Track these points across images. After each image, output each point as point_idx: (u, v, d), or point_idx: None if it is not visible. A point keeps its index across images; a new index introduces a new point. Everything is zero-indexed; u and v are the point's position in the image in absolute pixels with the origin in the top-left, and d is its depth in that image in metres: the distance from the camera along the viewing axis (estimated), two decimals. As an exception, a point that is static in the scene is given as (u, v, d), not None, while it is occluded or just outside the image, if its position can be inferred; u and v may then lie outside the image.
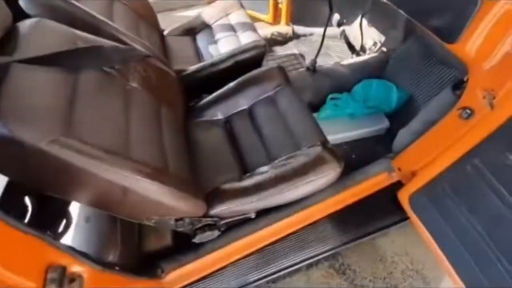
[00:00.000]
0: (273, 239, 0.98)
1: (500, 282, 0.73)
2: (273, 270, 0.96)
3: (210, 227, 0.86)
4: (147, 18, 1.41)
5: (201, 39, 1.46)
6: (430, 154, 0.93)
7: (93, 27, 0.84)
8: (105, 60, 0.70)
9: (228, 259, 0.94)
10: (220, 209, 0.83)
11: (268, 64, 1.20)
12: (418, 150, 0.98)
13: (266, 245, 0.98)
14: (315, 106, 1.33)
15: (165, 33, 1.49)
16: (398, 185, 1.06)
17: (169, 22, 1.59)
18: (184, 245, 0.94)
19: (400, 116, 1.29)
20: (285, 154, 0.91)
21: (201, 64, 1.20)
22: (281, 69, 1.10)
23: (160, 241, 0.98)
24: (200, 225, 0.83)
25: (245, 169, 0.93)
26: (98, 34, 0.82)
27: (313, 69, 1.38)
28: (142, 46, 0.95)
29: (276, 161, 0.90)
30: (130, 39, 0.92)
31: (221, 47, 1.38)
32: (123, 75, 0.77)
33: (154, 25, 1.46)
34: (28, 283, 0.44)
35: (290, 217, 0.99)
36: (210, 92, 1.17)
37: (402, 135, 1.09)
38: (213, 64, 1.19)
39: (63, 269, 0.49)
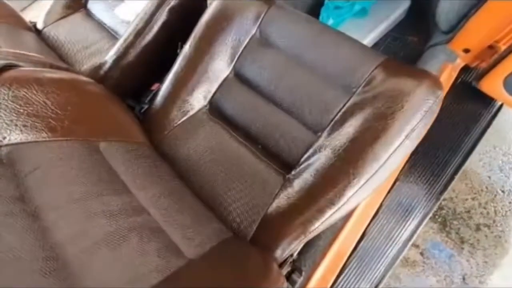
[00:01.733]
0: (362, 230, 0.67)
1: None
2: (378, 274, 0.68)
3: (289, 277, 0.53)
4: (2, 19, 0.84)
5: (96, 7, 0.91)
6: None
7: None
8: None
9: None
10: (288, 247, 0.49)
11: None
12: (496, 14, 0.64)
13: (357, 244, 0.67)
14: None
15: (39, 26, 0.93)
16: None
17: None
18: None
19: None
20: (334, 112, 0.54)
21: (120, 41, 0.72)
22: (246, -13, 0.66)
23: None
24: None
25: (287, 165, 0.56)
26: None
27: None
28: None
29: (326, 131, 0.54)
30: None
31: (133, 2, 0.87)
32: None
33: (17, 23, 0.89)
34: None
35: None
36: (160, 77, 0.73)
37: (449, 4, 0.74)
38: (138, 33, 0.71)
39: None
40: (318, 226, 0.48)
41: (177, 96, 0.64)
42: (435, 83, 0.49)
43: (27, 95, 0.40)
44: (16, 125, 0.38)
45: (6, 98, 0.38)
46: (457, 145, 0.74)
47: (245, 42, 0.63)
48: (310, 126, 0.56)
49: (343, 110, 0.53)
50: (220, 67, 0.64)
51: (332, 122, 0.53)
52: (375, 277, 0.65)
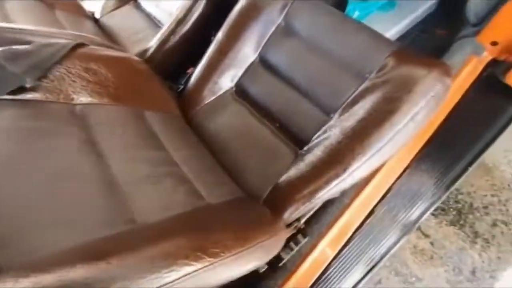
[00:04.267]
0: (368, 209, 0.72)
1: None
2: (380, 252, 0.72)
3: (293, 238, 0.60)
4: (64, 6, 1.00)
5: (144, -1, 1.04)
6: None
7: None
8: (4, 81, 0.37)
9: (322, 262, 0.70)
10: (295, 211, 0.56)
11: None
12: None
13: (362, 222, 0.72)
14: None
15: (97, 16, 1.08)
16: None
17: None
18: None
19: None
20: (346, 95, 0.59)
21: (164, 29, 0.83)
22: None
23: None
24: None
25: (300, 142, 0.63)
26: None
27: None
28: (65, 36, 0.58)
29: (338, 112, 0.59)
30: (40, 34, 0.56)
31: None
32: (56, 92, 0.44)
33: (78, 11, 1.05)
34: None
35: (379, 173, 0.71)
36: (195, 63, 0.83)
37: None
38: (179, 22, 0.81)
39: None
40: (323, 194, 0.55)
41: (208, 78, 0.73)
42: (445, 71, 0.52)
43: (94, 68, 0.51)
44: (86, 90, 0.49)
45: (79, 69, 0.50)
46: (475, 138, 0.74)
47: (271, 31, 0.70)
48: (324, 108, 0.62)
49: (355, 94, 0.58)
50: (247, 53, 0.71)
51: (344, 105, 0.59)
52: (377, 254, 0.70)
